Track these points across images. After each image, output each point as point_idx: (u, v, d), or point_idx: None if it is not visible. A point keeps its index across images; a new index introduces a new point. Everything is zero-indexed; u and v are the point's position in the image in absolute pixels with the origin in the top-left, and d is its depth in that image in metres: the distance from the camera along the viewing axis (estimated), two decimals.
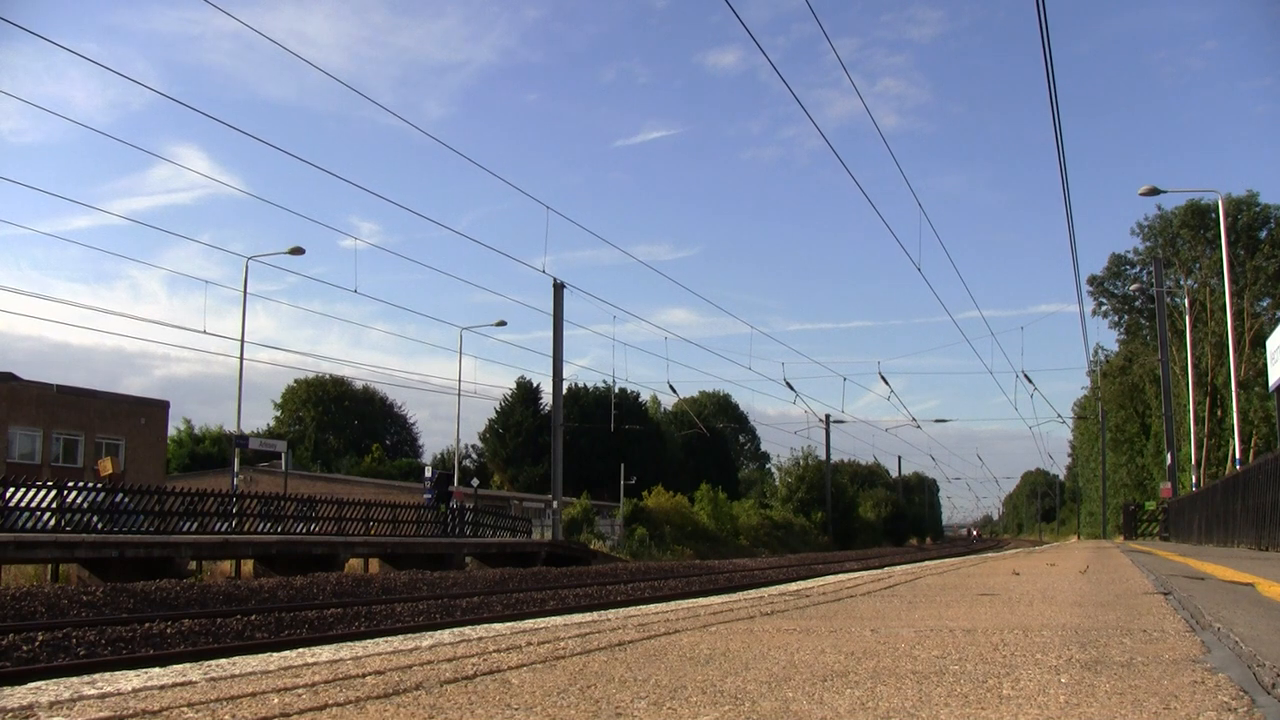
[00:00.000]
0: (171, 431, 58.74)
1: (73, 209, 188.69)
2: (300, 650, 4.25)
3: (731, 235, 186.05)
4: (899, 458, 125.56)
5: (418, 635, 4.89)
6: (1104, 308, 66.63)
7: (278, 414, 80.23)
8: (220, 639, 10.41)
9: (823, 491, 73.07)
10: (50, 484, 21.64)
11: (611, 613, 6.35)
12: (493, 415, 67.74)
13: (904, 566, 17.25)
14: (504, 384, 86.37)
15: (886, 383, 52.11)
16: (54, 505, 20.79)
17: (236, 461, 35.58)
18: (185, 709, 2.74)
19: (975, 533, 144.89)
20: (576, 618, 5.95)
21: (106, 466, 33.59)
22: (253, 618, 11.98)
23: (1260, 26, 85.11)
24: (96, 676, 3.40)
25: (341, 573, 22.90)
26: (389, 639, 4.67)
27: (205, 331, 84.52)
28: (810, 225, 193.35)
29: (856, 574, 13.32)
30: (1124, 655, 3.66)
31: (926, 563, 19.27)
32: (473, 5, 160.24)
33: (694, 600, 8.16)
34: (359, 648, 4.24)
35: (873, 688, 3.02)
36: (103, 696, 2.96)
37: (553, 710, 2.72)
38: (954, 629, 4.82)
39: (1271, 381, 21.59)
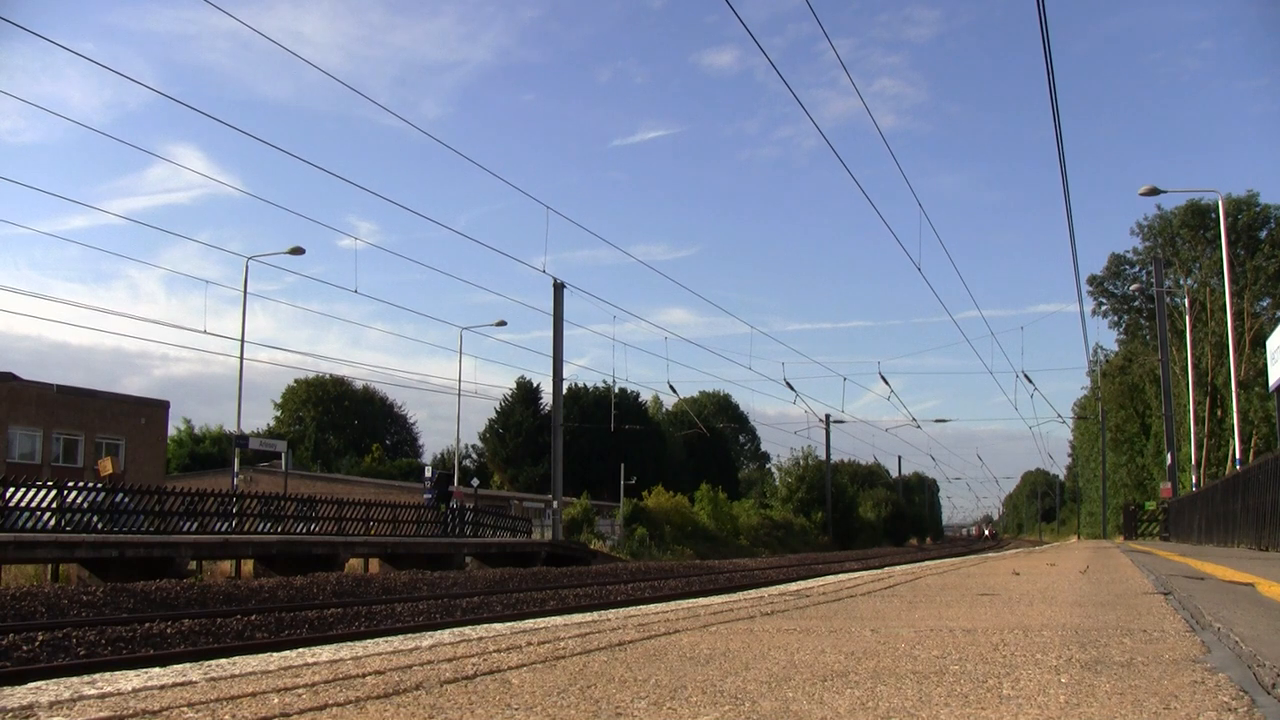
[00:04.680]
0: (171, 431, 58.79)
1: (71, 208, 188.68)
2: (300, 650, 4.25)
3: (730, 235, 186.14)
4: (899, 458, 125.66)
5: (418, 635, 4.89)
6: (1104, 308, 66.70)
7: (278, 414, 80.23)
8: (220, 639, 10.41)
9: (823, 491, 73.05)
10: (50, 484, 21.64)
11: (611, 613, 6.35)
12: (493, 415, 67.88)
13: (904, 566, 17.24)
14: (504, 384, 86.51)
15: (886, 383, 52.25)
16: (54, 505, 20.79)
17: (236, 461, 35.61)
18: (185, 709, 2.74)
19: (988, 530, 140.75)
20: (576, 618, 5.95)
21: (106, 466, 33.62)
22: (253, 618, 11.98)
23: (1256, 26, 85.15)
24: (96, 676, 3.40)
25: (341, 573, 22.90)
26: (389, 639, 4.67)
27: (205, 331, 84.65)
28: (809, 225, 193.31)
29: (856, 574, 13.31)
30: (1124, 655, 3.66)
31: (926, 563, 19.27)
32: (469, 4, 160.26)
33: (694, 600, 8.16)
34: (359, 648, 4.24)
35: (873, 688, 3.02)
36: (103, 696, 2.96)
37: (553, 710, 2.72)
38: (954, 629, 4.82)
39: (1271, 381, 21.59)
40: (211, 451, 68.63)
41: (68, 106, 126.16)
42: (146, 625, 10.86)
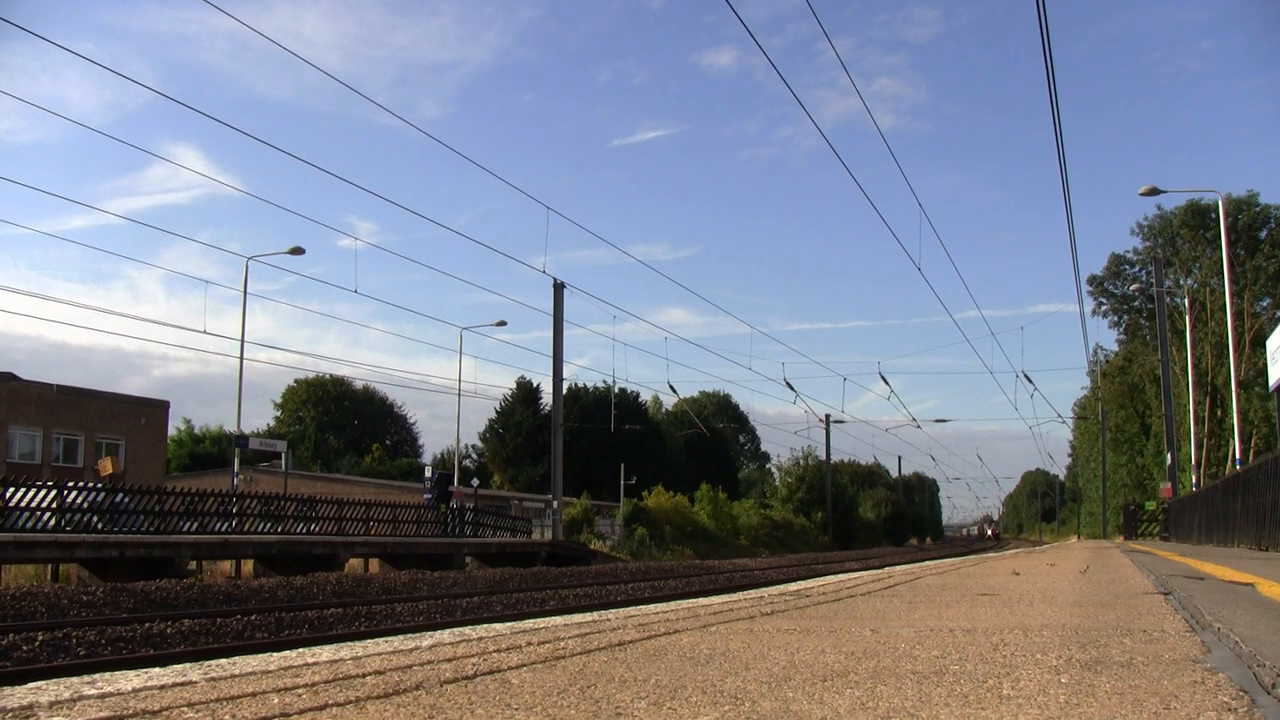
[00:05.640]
0: (171, 431, 58.79)
1: (70, 208, 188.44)
2: (300, 650, 4.25)
3: (729, 235, 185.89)
4: (899, 458, 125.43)
5: (418, 635, 4.89)
6: (1104, 308, 66.71)
7: (278, 414, 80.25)
8: (220, 639, 10.41)
9: (823, 491, 73.06)
10: (50, 484, 21.64)
11: (611, 613, 6.35)
12: (493, 415, 67.91)
13: (904, 566, 17.24)
14: (504, 384, 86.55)
15: (886, 383, 52.29)
16: (54, 505, 20.79)
17: (236, 461, 35.61)
18: (185, 709, 2.74)
19: (990, 530, 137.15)
20: (576, 618, 5.95)
21: (106, 466, 33.61)
22: (253, 618, 11.98)
23: (1256, 26, 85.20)
24: (96, 676, 3.40)
25: (341, 573, 22.90)
26: (389, 639, 4.67)
27: (205, 331, 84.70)
28: (809, 225, 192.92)
29: (856, 574, 13.31)
30: (1124, 655, 3.66)
31: (926, 563, 19.27)
32: (468, 4, 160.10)
33: (694, 600, 8.16)
34: (359, 648, 4.24)
35: (873, 688, 3.02)
36: (103, 696, 2.96)
37: (553, 710, 2.72)
38: (954, 629, 4.82)
39: (1271, 381, 21.59)
40: (211, 451, 68.63)
41: (67, 106, 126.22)
42: (146, 625, 10.86)
